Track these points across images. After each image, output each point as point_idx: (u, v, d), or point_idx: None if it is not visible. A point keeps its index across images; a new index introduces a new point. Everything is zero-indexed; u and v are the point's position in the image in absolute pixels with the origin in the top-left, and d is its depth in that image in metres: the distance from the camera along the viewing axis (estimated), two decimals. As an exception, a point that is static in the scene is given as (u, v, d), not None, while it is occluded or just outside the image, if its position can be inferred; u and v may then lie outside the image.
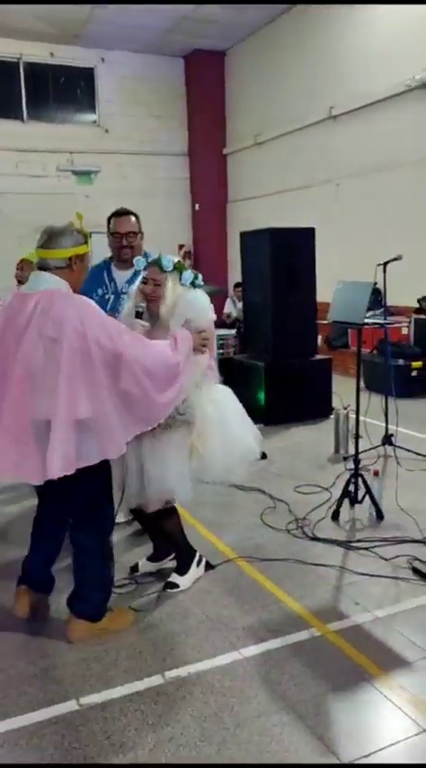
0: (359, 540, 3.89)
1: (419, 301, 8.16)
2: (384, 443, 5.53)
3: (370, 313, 6.47)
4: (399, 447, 5.39)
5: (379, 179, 8.97)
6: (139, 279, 3.16)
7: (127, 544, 3.92)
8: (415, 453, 5.34)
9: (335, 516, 4.22)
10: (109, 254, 4.15)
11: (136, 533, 4.01)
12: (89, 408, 2.59)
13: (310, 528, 4.07)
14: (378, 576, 3.46)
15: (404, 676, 2.65)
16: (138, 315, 3.07)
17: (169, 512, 3.32)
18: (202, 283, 3.14)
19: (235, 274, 9.76)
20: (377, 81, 8.76)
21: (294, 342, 6.61)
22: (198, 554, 3.47)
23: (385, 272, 5.38)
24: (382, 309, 6.23)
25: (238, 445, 3.23)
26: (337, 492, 4.45)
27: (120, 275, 3.95)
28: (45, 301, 2.60)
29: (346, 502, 4.31)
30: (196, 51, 12.27)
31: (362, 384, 5.98)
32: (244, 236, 7.09)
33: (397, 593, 3.31)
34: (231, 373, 6.51)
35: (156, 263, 3.05)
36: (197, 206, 12.87)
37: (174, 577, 3.36)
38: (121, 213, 3.94)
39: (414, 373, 7.75)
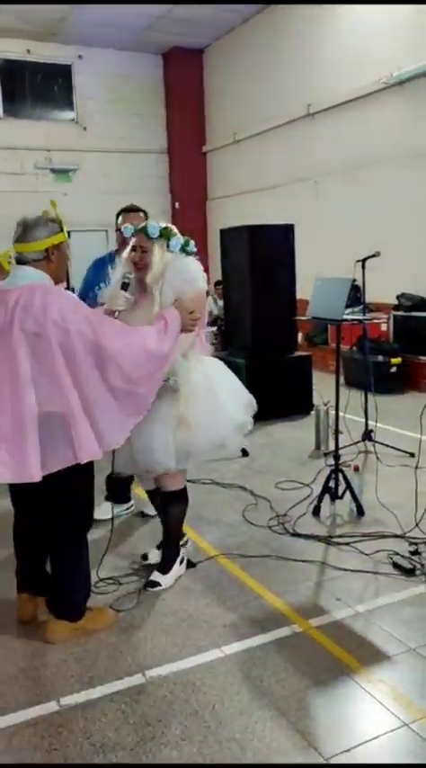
0: (339, 536, 3.90)
1: (398, 298, 8.21)
2: (364, 439, 5.55)
3: (349, 310, 6.50)
4: (379, 443, 5.41)
5: (358, 176, 9.01)
6: (129, 247, 3.11)
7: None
8: (394, 449, 5.37)
9: (316, 512, 4.23)
10: (90, 251, 4.18)
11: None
12: (83, 402, 2.56)
13: (291, 524, 4.07)
14: (359, 571, 3.47)
15: (385, 670, 2.66)
16: (124, 286, 3.03)
17: (179, 498, 3.31)
18: (194, 250, 3.08)
19: (215, 272, 9.73)
20: (355, 79, 8.79)
21: (274, 339, 6.61)
22: (183, 553, 3.45)
23: (364, 268, 5.40)
24: (361, 306, 6.25)
25: (227, 417, 3.17)
26: (318, 488, 4.46)
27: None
28: (26, 297, 2.57)
29: (327, 498, 4.32)
30: (174, 49, 12.23)
31: (343, 380, 6.03)
32: (224, 234, 7.09)
33: (377, 588, 3.32)
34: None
35: (142, 230, 3.02)
36: (177, 204, 12.84)
37: (156, 575, 3.34)
38: (130, 209, 4.00)
39: (393, 369, 7.80)
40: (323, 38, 9.40)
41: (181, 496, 3.31)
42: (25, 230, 2.69)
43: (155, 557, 3.51)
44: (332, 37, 9.25)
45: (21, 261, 2.71)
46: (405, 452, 5.28)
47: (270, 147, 10.78)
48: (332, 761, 2.19)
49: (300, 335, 9.38)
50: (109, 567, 3.50)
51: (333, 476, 4.33)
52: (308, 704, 2.47)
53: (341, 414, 4.57)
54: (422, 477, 3.83)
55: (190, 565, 3.51)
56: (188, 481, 4.62)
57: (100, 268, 4.05)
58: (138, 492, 4.19)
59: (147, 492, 3.58)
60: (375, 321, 7.52)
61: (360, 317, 5.11)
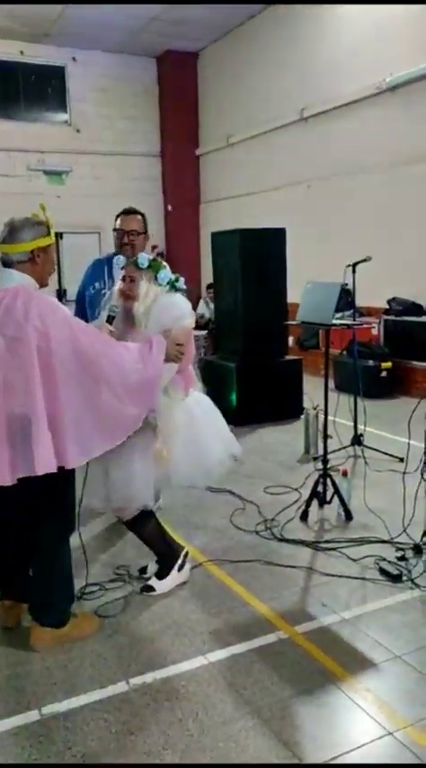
0: (327, 541, 3.89)
1: (389, 302, 8.22)
2: (353, 443, 5.55)
3: (340, 314, 6.50)
4: (368, 447, 5.41)
5: (350, 181, 9.02)
6: (120, 278, 3.12)
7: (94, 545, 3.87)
8: (383, 453, 5.37)
9: (304, 517, 4.22)
10: (83, 253, 4.22)
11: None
12: (56, 410, 2.54)
13: (279, 529, 4.06)
14: (346, 576, 3.46)
15: (370, 679, 2.65)
16: (109, 319, 3.02)
17: (143, 519, 3.25)
18: (184, 287, 3.07)
19: (207, 275, 9.73)
20: (348, 83, 8.81)
21: (265, 342, 6.61)
22: (181, 559, 3.39)
23: (354, 272, 5.40)
24: (352, 310, 6.25)
25: (205, 456, 3.16)
26: (306, 492, 4.45)
27: (120, 272, 3.95)
28: (8, 300, 2.55)
29: (315, 502, 4.31)
30: (168, 52, 12.22)
31: (333, 384, 6.02)
32: (215, 237, 7.08)
33: (364, 594, 3.31)
34: (202, 374, 6.49)
35: (133, 261, 3.02)
36: (169, 207, 12.82)
37: (153, 581, 3.32)
38: (129, 212, 4.03)
39: (383, 374, 7.80)
40: (317, 42, 9.41)
41: (142, 518, 3.25)
42: (11, 231, 2.67)
43: (154, 569, 3.46)
44: (326, 42, 9.26)
45: (5, 262, 2.68)
46: (394, 457, 5.27)
47: (264, 151, 10.78)
48: (315, 771, 2.17)
49: (291, 339, 9.39)
50: (94, 573, 3.48)
51: (322, 480, 4.33)
52: (292, 713, 2.45)
53: (330, 418, 4.56)
54: (410, 483, 3.81)
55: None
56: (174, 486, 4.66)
57: (98, 269, 4.08)
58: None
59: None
60: (364, 326, 7.52)
61: (349, 322, 5.10)
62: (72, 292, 7.39)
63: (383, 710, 2.44)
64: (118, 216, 3.99)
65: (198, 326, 10.63)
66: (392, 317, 8.12)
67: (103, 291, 3.92)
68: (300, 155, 9.96)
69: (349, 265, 5.36)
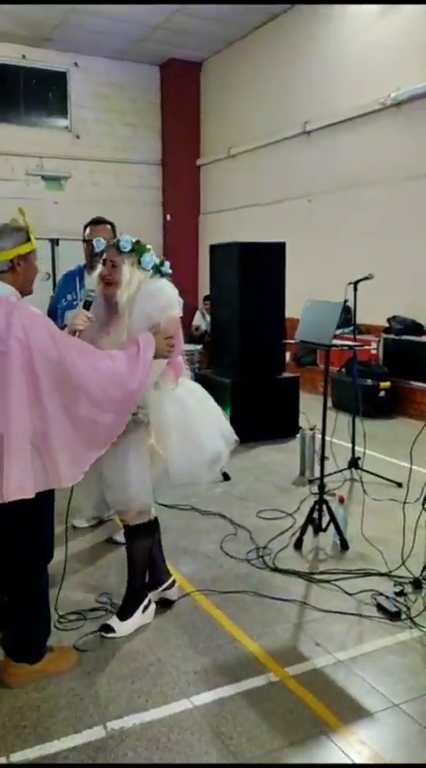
0: (322, 572, 3.70)
1: (389, 321, 8.07)
2: (350, 466, 5.37)
3: (340, 331, 6.35)
4: (366, 471, 5.23)
5: (352, 196, 8.89)
6: (101, 262, 2.91)
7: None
8: (381, 478, 5.19)
9: (298, 545, 4.04)
10: (78, 260, 4.18)
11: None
12: (38, 427, 2.36)
13: (271, 558, 3.87)
14: (341, 612, 3.28)
15: (365, 729, 2.46)
16: (86, 305, 2.84)
17: (144, 533, 3.05)
18: (169, 271, 2.87)
19: (205, 287, 9.58)
20: (352, 98, 8.70)
21: (261, 358, 6.44)
22: (148, 599, 3.17)
23: (355, 290, 5.24)
24: (352, 327, 6.09)
25: (203, 448, 2.93)
26: (301, 518, 4.27)
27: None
28: None
29: (310, 529, 4.13)
30: (171, 60, 12.12)
31: (330, 402, 5.85)
32: (214, 249, 6.92)
33: (361, 633, 3.12)
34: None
35: (114, 244, 2.81)
36: (168, 216, 12.68)
37: (114, 621, 3.06)
38: (97, 222, 3.96)
39: (382, 394, 7.64)
40: (322, 56, 9.31)
41: (145, 531, 3.06)
42: None
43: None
44: (331, 55, 9.17)
45: None
46: (393, 482, 5.10)
47: (265, 163, 10.66)
48: None
49: (288, 355, 9.23)
50: (73, 600, 3.29)
51: (317, 506, 4.15)
52: (282, 768, 2.27)
53: (327, 438, 4.39)
54: (410, 512, 3.64)
55: (166, 604, 3.28)
56: (165, 506, 4.49)
57: (69, 281, 4.06)
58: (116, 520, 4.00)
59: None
60: (364, 348, 7.37)
61: (350, 343, 4.93)
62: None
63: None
64: (86, 226, 3.90)
65: (193, 339, 10.48)
66: (391, 336, 7.97)
67: (75, 303, 3.84)
68: (302, 168, 9.84)
69: (350, 283, 5.21)
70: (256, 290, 6.37)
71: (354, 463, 5.33)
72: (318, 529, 4.15)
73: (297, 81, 9.81)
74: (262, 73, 10.58)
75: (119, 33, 10.80)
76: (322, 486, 4.17)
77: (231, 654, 2.93)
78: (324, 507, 4.12)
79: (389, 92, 8.05)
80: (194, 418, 2.91)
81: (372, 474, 5.22)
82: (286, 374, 6.83)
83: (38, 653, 2.72)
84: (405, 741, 2.41)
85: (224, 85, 11.68)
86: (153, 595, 3.23)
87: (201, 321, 10.25)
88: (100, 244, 2.93)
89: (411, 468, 3.64)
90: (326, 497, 4.18)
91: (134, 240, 2.80)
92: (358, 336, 6.63)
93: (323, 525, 4.13)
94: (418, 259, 7.84)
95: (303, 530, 4.08)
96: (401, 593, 3.40)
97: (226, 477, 5.29)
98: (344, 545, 3.99)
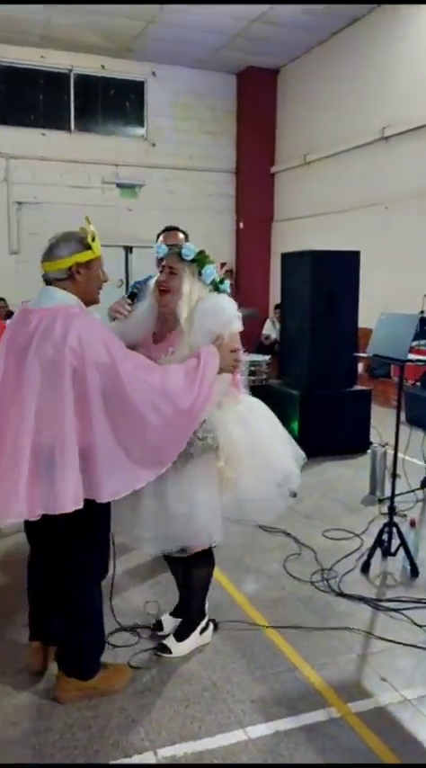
0: (389, 600, 3.51)
1: (468, 333, 7.70)
2: (423, 486, 5.12)
3: (415, 343, 6.08)
4: (440, 492, 4.98)
5: (431, 203, 8.57)
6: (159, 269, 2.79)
7: (129, 583, 3.62)
8: (457, 500, 4.93)
9: (365, 568, 3.85)
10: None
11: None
12: (84, 437, 2.31)
13: (337, 581, 3.70)
14: (409, 645, 3.08)
15: (434, 779, 2.28)
16: (131, 296, 2.76)
17: (205, 560, 2.92)
18: (228, 290, 2.74)
19: (276, 296, 9.44)
20: (434, 102, 8.39)
21: (332, 370, 6.23)
22: (206, 620, 3.06)
23: (433, 302, 5.01)
24: (428, 341, 5.84)
25: (273, 468, 2.76)
26: (369, 539, 4.08)
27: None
28: (48, 320, 2.34)
29: (378, 552, 3.93)
30: (249, 68, 12.06)
31: (404, 417, 5.61)
32: (285, 258, 6.78)
33: (430, 670, 2.92)
34: (264, 401, 6.17)
35: (176, 251, 2.70)
36: (241, 224, 12.61)
37: (170, 641, 2.96)
38: (170, 229, 3.93)
39: (460, 409, 7.29)
40: (403, 59, 9.03)
41: (206, 558, 2.93)
42: (50, 248, 2.47)
43: (169, 625, 3.10)
44: (412, 58, 8.88)
45: (47, 281, 2.49)
46: None
47: (341, 171, 10.44)
48: None
49: (361, 366, 8.97)
50: (131, 614, 3.23)
51: (387, 529, 3.95)
52: None
53: (399, 455, 4.17)
54: None
55: (215, 627, 3.16)
56: (230, 521, 4.38)
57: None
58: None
59: (165, 557, 3.12)
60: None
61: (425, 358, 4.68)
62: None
63: None
64: (159, 234, 3.85)
65: (263, 348, 10.36)
66: None
67: None
68: (379, 175, 9.56)
69: (427, 294, 4.97)
70: (328, 300, 6.19)
71: (427, 483, 5.08)
72: (387, 553, 3.94)
73: (376, 85, 9.55)
74: (340, 78, 10.38)
75: (198, 43, 10.83)
76: (392, 508, 3.96)
77: (290, 684, 2.79)
78: (394, 530, 3.92)
79: None
80: (261, 436, 2.76)
81: (446, 495, 4.96)
82: (357, 387, 6.60)
83: (89, 669, 2.65)
84: None
85: (300, 92, 11.53)
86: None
87: (272, 330, 10.13)
88: (162, 249, 2.81)
89: None
90: (396, 519, 3.97)
91: (198, 250, 2.69)
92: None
93: (393, 549, 3.93)
94: None
95: (371, 553, 3.89)
96: None
97: (292, 493, 5.12)
98: (414, 571, 3.78)
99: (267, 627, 3.21)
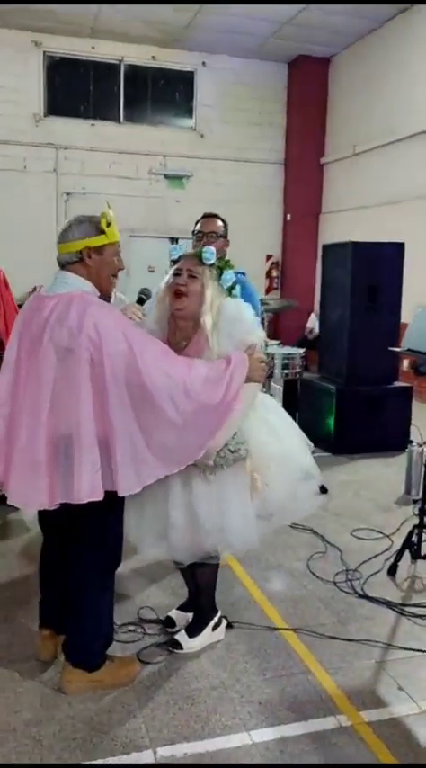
0: (415, 605, 3.36)
1: None
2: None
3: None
4: None
5: None
6: (171, 271, 2.63)
7: (140, 580, 3.56)
8: None
9: (392, 571, 3.70)
10: None
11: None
12: (106, 429, 2.25)
13: (360, 582, 3.57)
14: (433, 654, 2.93)
15: (446, 798, 2.14)
16: (139, 301, 2.66)
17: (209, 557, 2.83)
18: (238, 296, 2.65)
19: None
20: None
21: (371, 366, 6.04)
22: (218, 616, 2.98)
23: None
24: None
25: (296, 468, 2.74)
26: (399, 541, 3.92)
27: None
28: (62, 307, 2.29)
29: (407, 555, 3.77)
30: (300, 57, 11.84)
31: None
32: (326, 249, 6.61)
33: (452, 681, 2.77)
34: (295, 394, 6.03)
35: (197, 254, 2.59)
36: (288, 216, 12.42)
37: (182, 636, 2.89)
38: (209, 215, 3.81)
39: None
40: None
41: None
42: (64, 229, 2.43)
43: (181, 621, 3.02)
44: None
45: (60, 264, 2.43)
46: None
47: (391, 162, 10.14)
48: None
49: (406, 362, 8.71)
50: (144, 608, 3.17)
51: (417, 531, 3.78)
52: None
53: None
54: None
55: (228, 626, 3.06)
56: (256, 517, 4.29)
57: None
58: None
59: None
60: None
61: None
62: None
63: None
64: (198, 220, 3.74)
65: (307, 341, 10.20)
66: None
67: None
68: (431, 166, 9.25)
69: None
70: (369, 293, 6.01)
71: (466, 485, 4.86)
72: (416, 555, 3.78)
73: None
74: (393, 67, 10.07)
75: (248, 32, 10.68)
76: (423, 509, 3.80)
77: (301, 687, 2.68)
78: (424, 532, 3.75)
79: None
80: (282, 438, 2.70)
81: None
82: (398, 383, 6.39)
83: (95, 661, 2.61)
84: None
85: (352, 81, 11.25)
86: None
87: (316, 323, 9.95)
88: (176, 251, 2.66)
89: None
90: (428, 522, 3.81)
91: (218, 255, 2.59)
92: None
93: (423, 552, 3.77)
94: None
95: (399, 555, 3.74)
96: None
97: (323, 489, 5.00)
98: (444, 577, 3.61)
99: (280, 629, 3.11)
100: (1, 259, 5.44)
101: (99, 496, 2.28)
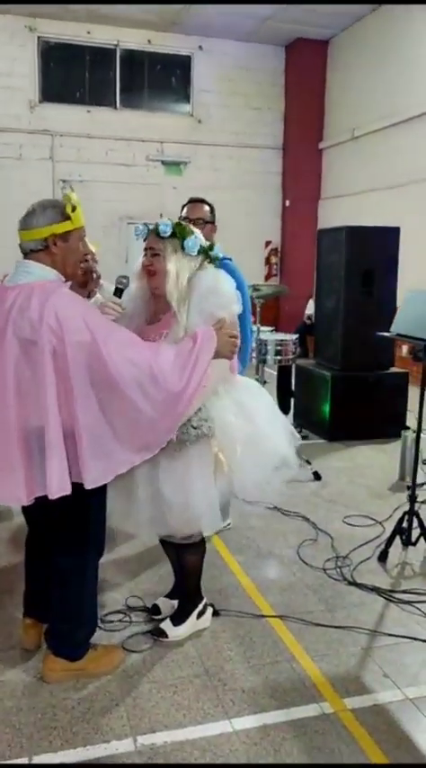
0: (404, 591, 3.33)
1: None
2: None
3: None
4: None
5: None
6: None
7: (127, 570, 3.55)
8: None
9: (383, 557, 3.68)
10: None
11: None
12: (68, 419, 2.22)
13: (350, 569, 3.54)
14: (419, 640, 2.91)
15: (426, 785, 2.13)
16: (117, 292, 2.61)
17: (195, 544, 2.81)
18: (220, 256, 2.58)
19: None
20: None
21: (366, 352, 5.98)
22: (203, 604, 2.96)
23: None
24: None
25: (270, 454, 2.63)
26: (391, 527, 3.88)
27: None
28: (23, 297, 2.24)
29: (398, 542, 3.75)
30: (298, 40, 11.70)
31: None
32: (322, 234, 6.55)
33: (438, 668, 2.75)
34: (289, 381, 5.99)
35: (154, 229, 2.52)
36: (287, 202, 12.33)
37: (167, 624, 2.87)
38: (195, 200, 3.73)
39: None
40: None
41: (197, 543, 2.81)
42: (27, 215, 2.35)
43: (167, 609, 3.00)
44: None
45: (24, 252, 2.38)
46: None
47: (390, 145, 10.03)
48: None
49: (405, 349, 8.66)
50: (130, 597, 3.16)
51: (407, 517, 3.76)
52: None
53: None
54: None
55: (215, 614, 3.04)
56: (247, 502, 4.27)
57: None
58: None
59: (160, 540, 3.00)
60: None
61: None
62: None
63: None
64: (184, 205, 3.67)
65: (306, 327, 10.15)
66: None
67: None
68: (430, 149, 9.14)
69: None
70: (364, 278, 5.95)
71: (459, 471, 4.83)
72: (407, 542, 3.76)
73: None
74: (392, 48, 9.93)
75: (245, 14, 10.55)
76: (413, 495, 3.77)
77: (285, 675, 2.66)
78: (415, 519, 3.73)
79: None
80: (257, 422, 2.61)
81: None
82: (394, 369, 6.35)
83: (78, 650, 2.59)
84: None
85: (351, 64, 11.11)
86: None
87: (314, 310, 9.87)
88: (139, 231, 2.59)
89: None
90: (418, 508, 3.78)
91: (175, 222, 2.51)
92: None
93: (413, 538, 3.74)
94: None
95: (389, 541, 3.72)
96: None
97: (316, 476, 4.98)
98: (434, 563, 3.59)
99: (266, 616, 3.09)
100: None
101: (67, 491, 2.25)
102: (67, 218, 2.33)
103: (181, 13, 10.55)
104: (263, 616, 3.08)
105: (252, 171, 12.21)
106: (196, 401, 2.37)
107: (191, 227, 2.59)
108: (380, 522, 4.16)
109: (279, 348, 5.13)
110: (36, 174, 10.97)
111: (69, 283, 2.42)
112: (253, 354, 4.96)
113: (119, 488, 2.54)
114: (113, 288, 3.99)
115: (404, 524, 3.75)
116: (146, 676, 2.64)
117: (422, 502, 4.05)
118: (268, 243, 12.44)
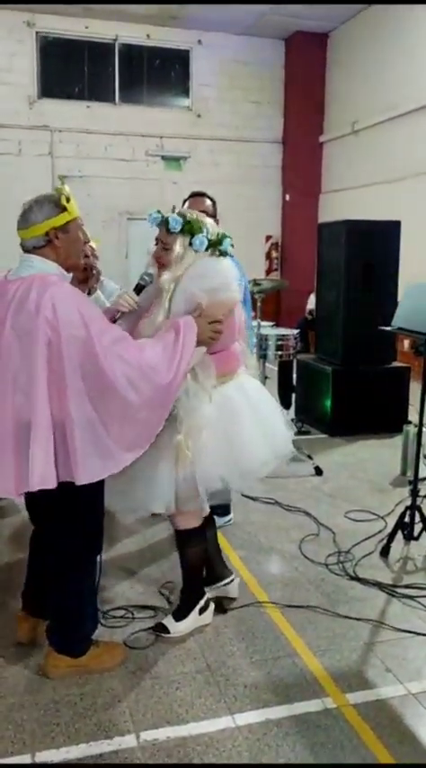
0: (406, 586, 3.33)
1: None
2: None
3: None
4: None
5: None
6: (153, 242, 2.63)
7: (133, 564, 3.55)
8: None
9: (384, 552, 3.67)
10: None
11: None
12: (59, 414, 2.21)
13: (352, 564, 3.54)
14: (422, 635, 2.91)
15: (429, 780, 2.13)
16: (138, 288, 2.60)
17: (194, 538, 2.81)
18: (230, 248, 2.57)
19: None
20: None
21: (367, 346, 5.97)
22: (205, 599, 2.94)
23: None
24: None
25: (240, 456, 2.58)
26: (393, 522, 3.88)
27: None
28: (22, 291, 2.23)
29: (400, 536, 3.74)
30: (297, 33, 11.65)
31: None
32: (322, 228, 6.54)
33: (441, 663, 2.75)
34: (291, 376, 5.96)
35: (164, 222, 2.53)
36: (287, 196, 12.29)
37: (168, 620, 2.87)
38: (197, 194, 3.75)
39: None
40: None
41: (195, 536, 2.81)
42: (23, 213, 2.34)
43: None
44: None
45: (25, 250, 2.37)
46: None
47: (391, 139, 9.99)
48: None
49: (407, 343, 8.63)
50: (132, 594, 3.16)
51: (409, 511, 3.75)
52: None
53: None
54: None
55: (220, 610, 3.03)
56: (249, 498, 4.28)
57: None
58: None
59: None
60: None
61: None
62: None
63: None
64: (186, 199, 3.66)
65: (308, 322, 10.12)
66: None
67: None
68: (431, 142, 9.11)
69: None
70: (365, 272, 5.93)
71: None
72: (409, 536, 3.75)
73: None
74: (393, 40, 9.88)
75: (244, 8, 10.50)
76: (415, 489, 3.76)
77: (288, 670, 2.66)
78: (417, 513, 3.72)
79: None
80: (240, 419, 2.58)
81: None
82: (396, 363, 6.33)
83: (80, 647, 2.59)
84: None
85: (350, 57, 11.07)
86: (213, 591, 3.02)
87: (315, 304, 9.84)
88: (152, 219, 2.60)
89: None
90: (420, 503, 3.77)
91: (187, 219, 2.50)
92: None
93: (415, 533, 3.74)
94: None
95: (391, 536, 3.71)
96: None
97: (318, 471, 4.97)
98: (437, 557, 3.58)
99: (266, 603, 3.09)
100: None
101: (51, 485, 2.23)
102: (64, 209, 2.33)
103: (179, 7, 10.50)
104: (261, 602, 3.09)
105: (252, 165, 12.18)
106: (179, 389, 2.40)
107: (204, 219, 2.58)
108: (382, 517, 4.15)
109: (280, 343, 5.11)
110: (35, 170, 10.93)
111: (70, 276, 2.41)
112: (254, 350, 4.94)
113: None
114: (112, 284, 3.99)
115: (406, 519, 3.75)
116: (149, 672, 2.64)
117: (424, 496, 4.04)
118: (268, 237, 12.41)
